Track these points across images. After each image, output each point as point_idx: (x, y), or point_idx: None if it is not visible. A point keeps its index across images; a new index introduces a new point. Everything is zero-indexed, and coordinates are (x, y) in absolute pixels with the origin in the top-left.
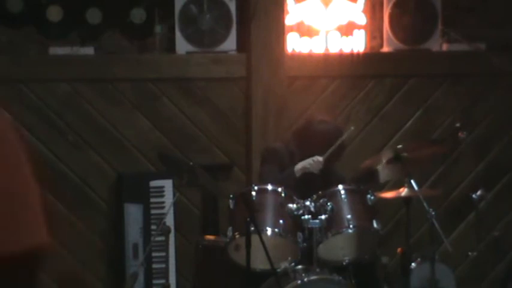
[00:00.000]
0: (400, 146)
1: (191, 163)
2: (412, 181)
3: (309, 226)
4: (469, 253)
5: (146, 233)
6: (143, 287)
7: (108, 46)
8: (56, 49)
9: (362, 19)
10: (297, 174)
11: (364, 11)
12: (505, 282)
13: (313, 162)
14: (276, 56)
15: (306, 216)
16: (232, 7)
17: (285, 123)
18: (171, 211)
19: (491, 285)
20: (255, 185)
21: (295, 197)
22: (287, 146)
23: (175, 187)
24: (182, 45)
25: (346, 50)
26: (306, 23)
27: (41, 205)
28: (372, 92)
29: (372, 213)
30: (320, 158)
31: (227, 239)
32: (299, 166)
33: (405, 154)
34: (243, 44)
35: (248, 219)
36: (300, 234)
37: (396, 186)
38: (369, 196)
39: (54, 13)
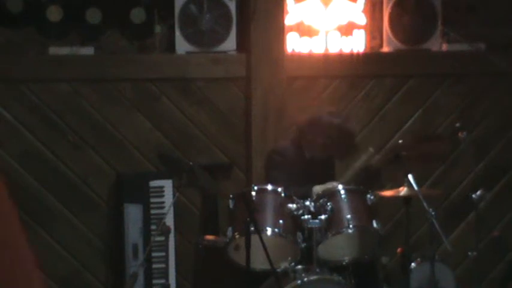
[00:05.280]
0: (401, 141)
1: (191, 163)
2: (411, 179)
3: (309, 226)
4: (469, 253)
5: (146, 233)
6: (143, 287)
7: (108, 46)
8: (56, 49)
9: (362, 19)
10: (313, 195)
11: (364, 11)
12: (505, 282)
13: (331, 187)
14: (275, 56)
15: (306, 216)
16: (232, 7)
17: (285, 123)
18: (171, 211)
19: (491, 285)
20: (255, 185)
21: (295, 197)
22: (294, 142)
23: (175, 187)
24: (182, 45)
25: (346, 50)
26: (306, 23)
27: (31, 255)
28: (372, 92)
29: (372, 213)
30: (335, 183)
31: (227, 239)
32: (318, 189)
33: (404, 152)
34: (242, 44)
35: (248, 219)
36: (299, 234)
37: (396, 185)
38: (369, 196)
39: (54, 13)
